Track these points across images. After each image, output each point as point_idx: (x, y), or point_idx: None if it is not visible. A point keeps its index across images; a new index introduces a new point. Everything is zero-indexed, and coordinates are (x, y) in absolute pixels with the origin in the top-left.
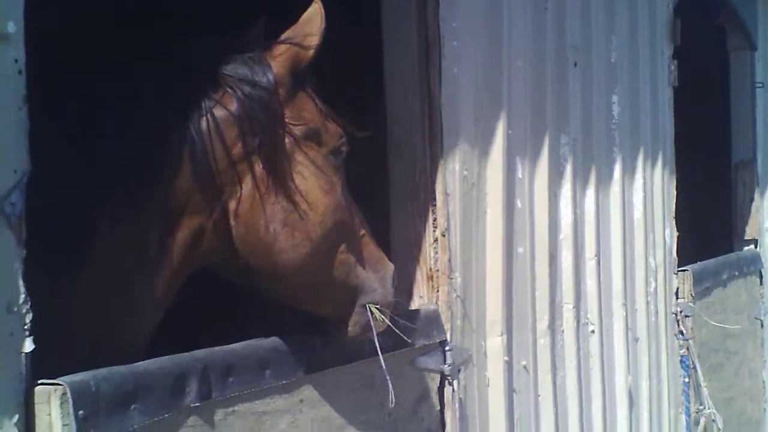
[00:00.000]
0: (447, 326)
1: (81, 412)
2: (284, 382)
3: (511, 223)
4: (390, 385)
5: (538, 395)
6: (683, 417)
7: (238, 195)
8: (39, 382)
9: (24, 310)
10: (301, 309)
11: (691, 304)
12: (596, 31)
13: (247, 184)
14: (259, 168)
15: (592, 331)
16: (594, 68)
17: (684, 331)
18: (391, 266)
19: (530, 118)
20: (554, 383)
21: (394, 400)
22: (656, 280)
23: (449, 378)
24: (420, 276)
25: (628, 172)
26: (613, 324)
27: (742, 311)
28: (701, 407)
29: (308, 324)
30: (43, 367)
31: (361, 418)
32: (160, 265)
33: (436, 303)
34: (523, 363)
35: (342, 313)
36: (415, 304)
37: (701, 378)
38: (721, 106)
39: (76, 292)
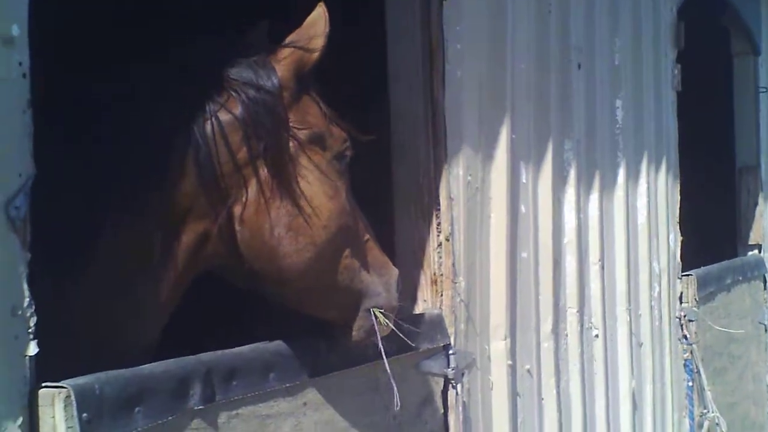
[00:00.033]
0: (451, 330)
1: (85, 414)
2: (288, 385)
3: (515, 227)
4: (395, 389)
5: (542, 399)
6: (687, 421)
7: (243, 199)
8: (43, 384)
9: (28, 314)
10: (305, 313)
11: (695, 308)
12: (600, 33)
13: (252, 189)
14: (263, 172)
15: (596, 336)
16: (597, 71)
17: (688, 336)
18: (395, 271)
19: (534, 121)
20: (558, 387)
21: (399, 403)
22: (660, 285)
23: (453, 381)
24: (424, 280)
25: (632, 176)
26: (617, 328)
27: (746, 316)
28: (705, 411)
29: (313, 328)
30: (47, 369)
31: (365, 421)
32: (164, 268)
33: (440, 307)
34: (527, 367)
35: (346, 317)
36: (419, 309)
37: (705, 382)
38: (724, 111)
39: (80, 295)
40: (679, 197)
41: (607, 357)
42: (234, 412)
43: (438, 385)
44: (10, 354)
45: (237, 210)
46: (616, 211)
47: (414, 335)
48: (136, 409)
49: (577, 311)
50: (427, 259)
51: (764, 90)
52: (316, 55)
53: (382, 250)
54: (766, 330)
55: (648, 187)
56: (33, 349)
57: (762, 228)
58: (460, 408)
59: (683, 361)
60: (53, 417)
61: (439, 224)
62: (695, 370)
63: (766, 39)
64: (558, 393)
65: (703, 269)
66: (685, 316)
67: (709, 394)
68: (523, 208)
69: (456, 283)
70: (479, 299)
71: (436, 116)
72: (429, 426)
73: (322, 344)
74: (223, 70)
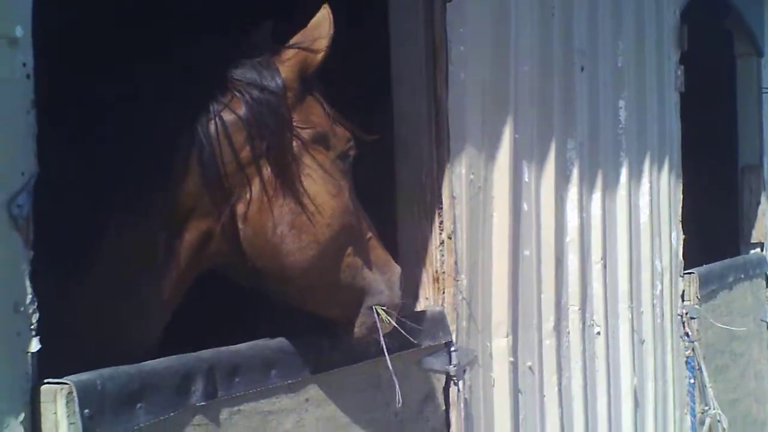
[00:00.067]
0: (453, 327)
1: (87, 410)
2: (290, 381)
3: (517, 226)
4: (397, 386)
5: (544, 396)
6: (688, 418)
7: (247, 198)
8: (45, 381)
9: (31, 311)
10: (308, 311)
11: (697, 306)
12: (603, 36)
13: (256, 188)
14: (267, 171)
15: (598, 333)
16: (601, 73)
17: (690, 333)
18: (398, 269)
19: (537, 122)
20: (560, 384)
21: (401, 400)
22: (662, 283)
23: (455, 378)
24: (426, 278)
25: (635, 176)
26: (618, 326)
27: (748, 314)
28: (706, 408)
29: (315, 325)
30: (50, 369)
31: (366, 418)
32: (167, 267)
33: (442, 304)
34: (529, 364)
35: (349, 314)
36: (420, 306)
37: (706, 379)
38: (727, 111)
39: (84, 295)
40: (681, 196)
41: (608, 354)
42: (236, 408)
43: (440, 382)
44: (13, 350)
45: (240, 208)
46: (618, 210)
47: (416, 332)
48: (138, 405)
49: (579, 309)
50: (429, 257)
51: (767, 91)
52: (320, 56)
53: (385, 248)
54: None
55: (651, 187)
56: (35, 345)
57: (764, 226)
58: (462, 405)
59: (685, 359)
60: (55, 413)
61: (441, 223)
62: (697, 368)
63: None
64: (560, 390)
65: (705, 267)
66: (687, 313)
67: (710, 392)
68: (525, 207)
69: (458, 280)
70: (481, 297)
71: (439, 116)
72: (431, 423)
73: (325, 341)
74: (227, 71)
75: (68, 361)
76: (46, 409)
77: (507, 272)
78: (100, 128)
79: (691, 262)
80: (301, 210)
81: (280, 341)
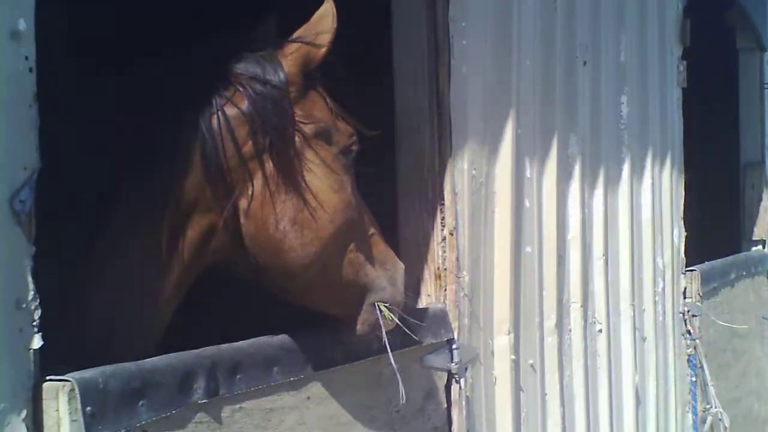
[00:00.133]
0: (454, 325)
1: (89, 408)
2: (292, 379)
3: (519, 222)
4: (400, 383)
5: (545, 394)
6: (690, 416)
7: (249, 193)
8: (47, 378)
9: (33, 307)
10: (310, 307)
11: (698, 303)
12: (605, 30)
13: (258, 182)
14: (269, 166)
15: (600, 331)
16: (603, 68)
17: (691, 331)
18: (401, 265)
19: (539, 117)
20: (561, 382)
21: (404, 397)
22: (664, 280)
23: (456, 376)
24: (428, 274)
25: (637, 172)
26: (620, 323)
27: (750, 311)
28: (708, 406)
29: (317, 322)
30: (53, 364)
31: (368, 415)
32: (169, 262)
33: (444, 302)
34: (530, 362)
35: (351, 311)
36: (422, 303)
37: (708, 377)
38: (730, 107)
39: (85, 290)
40: (683, 193)
41: (610, 352)
42: (238, 405)
43: (441, 379)
44: (15, 347)
45: (242, 204)
46: (620, 207)
47: (418, 329)
48: (140, 402)
49: (581, 306)
50: (431, 253)
51: None
52: (323, 50)
53: (388, 244)
54: None
55: (652, 183)
56: (37, 342)
57: (766, 223)
58: (464, 402)
59: (687, 357)
60: (57, 410)
61: (443, 219)
62: (698, 366)
63: None
64: (561, 388)
65: (706, 264)
66: (688, 311)
67: (712, 390)
68: (527, 203)
69: (460, 277)
70: (483, 294)
71: (441, 111)
72: (432, 420)
73: (327, 338)
74: (229, 65)
75: (70, 357)
76: (48, 406)
77: (509, 269)
78: (102, 122)
79: (692, 258)
80: (303, 205)
81: (282, 339)
